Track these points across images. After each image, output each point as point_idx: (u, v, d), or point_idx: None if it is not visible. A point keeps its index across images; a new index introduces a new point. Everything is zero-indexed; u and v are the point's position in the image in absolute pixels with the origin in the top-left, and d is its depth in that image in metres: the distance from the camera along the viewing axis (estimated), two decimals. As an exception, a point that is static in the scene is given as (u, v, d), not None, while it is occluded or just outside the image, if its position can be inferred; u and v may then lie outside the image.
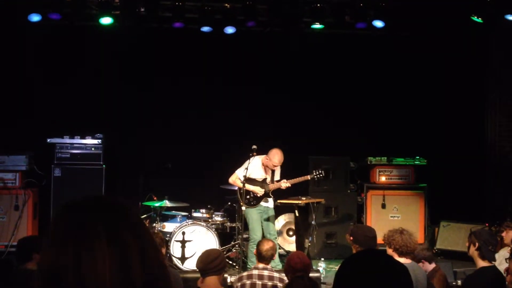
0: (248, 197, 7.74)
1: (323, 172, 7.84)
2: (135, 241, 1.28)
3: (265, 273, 5.18)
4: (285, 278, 5.23)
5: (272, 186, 7.81)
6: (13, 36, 8.84)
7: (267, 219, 7.90)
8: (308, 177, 7.81)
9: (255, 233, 7.68)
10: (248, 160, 7.60)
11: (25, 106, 9.05)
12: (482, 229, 5.40)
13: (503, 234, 6.11)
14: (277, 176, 7.92)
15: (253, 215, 7.76)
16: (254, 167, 7.76)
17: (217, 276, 4.42)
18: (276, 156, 7.64)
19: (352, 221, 9.01)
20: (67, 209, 1.32)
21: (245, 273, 5.33)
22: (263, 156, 7.78)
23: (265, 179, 7.85)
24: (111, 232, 1.26)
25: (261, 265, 5.32)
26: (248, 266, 7.30)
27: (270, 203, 7.95)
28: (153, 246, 1.33)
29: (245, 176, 7.53)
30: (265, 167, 7.79)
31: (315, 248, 8.51)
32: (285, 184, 7.74)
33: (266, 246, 5.43)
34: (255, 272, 5.22)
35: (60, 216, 1.31)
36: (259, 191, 7.75)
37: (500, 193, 9.35)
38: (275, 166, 7.72)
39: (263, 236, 7.86)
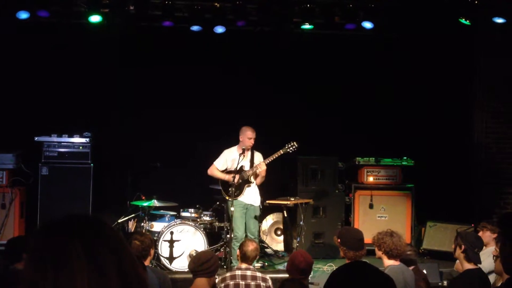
0: (230, 189, 7.76)
1: (295, 143, 7.73)
2: (112, 256, 1.30)
3: (248, 273, 5.21)
4: (267, 277, 5.30)
5: (250, 172, 7.74)
6: (0, 33, 8.76)
7: (253, 218, 7.84)
8: (281, 151, 7.71)
9: (237, 231, 7.68)
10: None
11: (12, 104, 8.99)
12: (468, 232, 5.46)
13: (480, 234, 6.20)
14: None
15: (236, 213, 7.72)
16: (230, 158, 7.84)
17: (207, 278, 4.44)
18: (247, 130, 7.70)
19: (340, 221, 9.06)
20: (45, 228, 1.34)
21: (228, 274, 5.35)
22: (236, 146, 7.83)
23: (242, 167, 7.80)
24: (88, 250, 1.28)
25: (244, 265, 5.34)
26: (232, 264, 7.29)
27: (255, 200, 7.89)
28: (130, 259, 1.36)
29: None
30: (243, 152, 7.72)
31: (303, 248, 8.53)
32: (261, 166, 7.66)
33: (251, 247, 5.44)
34: (238, 272, 5.24)
35: (38, 236, 1.33)
36: (232, 178, 7.69)
37: (486, 194, 9.45)
38: (250, 139, 7.67)
39: (246, 235, 7.85)
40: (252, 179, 7.79)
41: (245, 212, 7.77)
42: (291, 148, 7.74)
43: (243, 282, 5.10)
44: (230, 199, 7.71)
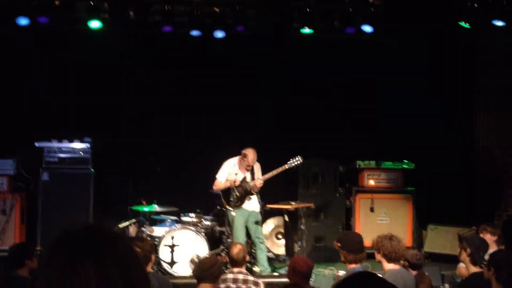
0: (231, 199, 7.76)
1: (300, 158, 7.67)
2: (123, 276, 1.31)
3: (240, 276, 5.17)
4: (260, 281, 5.27)
5: (252, 184, 7.74)
6: (1, 39, 8.78)
7: (255, 223, 7.85)
8: (286, 166, 7.66)
9: (238, 239, 7.64)
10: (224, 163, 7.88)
11: (13, 109, 9.00)
12: (473, 235, 5.45)
13: (480, 236, 6.19)
14: (258, 175, 7.86)
15: (237, 222, 7.75)
16: (231, 168, 7.86)
17: (211, 283, 4.44)
18: (249, 155, 7.69)
19: (340, 225, 9.05)
20: (58, 245, 1.34)
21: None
22: (237, 157, 7.85)
23: (244, 178, 7.83)
24: (100, 272, 1.28)
25: (236, 269, 5.28)
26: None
27: (256, 206, 7.89)
28: (141, 277, 1.35)
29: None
30: (242, 166, 7.80)
31: (304, 252, 8.52)
32: (259, 181, 7.65)
33: (235, 250, 5.35)
34: (229, 276, 5.21)
35: (51, 254, 1.33)
36: (234, 182, 7.75)
37: (487, 197, 9.43)
38: (249, 166, 7.74)
39: (252, 241, 7.85)
40: (257, 196, 7.81)
41: (246, 221, 7.75)
42: (296, 163, 7.70)
43: (234, 286, 5.07)
44: (231, 209, 7.74)
